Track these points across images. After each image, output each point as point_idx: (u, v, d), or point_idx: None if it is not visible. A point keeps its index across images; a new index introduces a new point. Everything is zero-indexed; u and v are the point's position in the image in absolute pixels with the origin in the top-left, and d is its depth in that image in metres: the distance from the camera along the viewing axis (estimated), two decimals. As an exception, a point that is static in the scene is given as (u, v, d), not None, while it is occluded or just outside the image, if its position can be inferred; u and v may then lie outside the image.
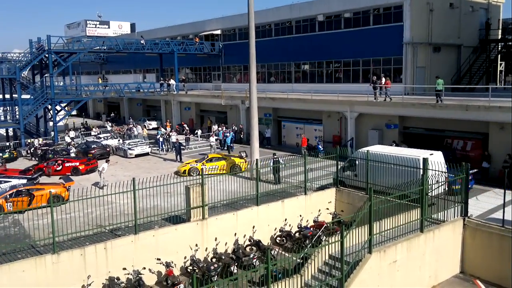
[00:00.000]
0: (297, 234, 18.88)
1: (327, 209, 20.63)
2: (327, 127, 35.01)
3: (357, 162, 21.08)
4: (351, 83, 36.20)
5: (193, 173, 26.50)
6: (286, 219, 19.47)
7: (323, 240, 16.62)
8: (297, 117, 37.51)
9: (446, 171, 18.46)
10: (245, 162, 27.97)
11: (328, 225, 18.57)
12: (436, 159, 18.70)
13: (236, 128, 39.48)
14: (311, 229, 18.72)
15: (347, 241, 13.71)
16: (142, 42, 47.44)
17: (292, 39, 41.34)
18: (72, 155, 32.36)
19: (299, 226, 19.27)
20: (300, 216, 19.72)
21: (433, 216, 16.71)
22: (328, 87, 36.81)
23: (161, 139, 36.47)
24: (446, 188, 17.41)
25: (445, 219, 16.68)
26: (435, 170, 17.07)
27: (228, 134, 36.50)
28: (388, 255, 14.62)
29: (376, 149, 21.34)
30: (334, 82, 37.63)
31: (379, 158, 19.61)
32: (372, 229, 14.23)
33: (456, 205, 16.98)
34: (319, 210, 20.09)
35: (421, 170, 17.34)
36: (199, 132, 42.62)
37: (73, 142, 37.10)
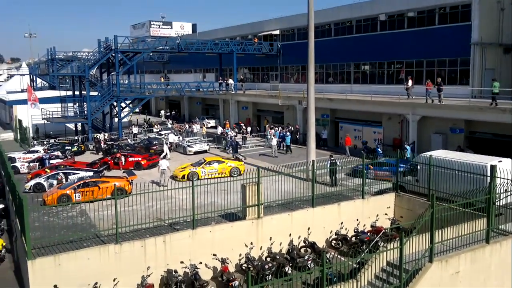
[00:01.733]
0: (353, 238, 18.55)
1: (386, 214, 20.06)
2: (387, 129, 34.10)
3: (418, 167, 20.35)
4: (414, 85, 35.00)
5: (192, 178, 25.69)
6: (342, 223, 19.16)
7: (380, 246, 16.17)
8: (356, 119, 36.84)
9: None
10: (243, 165, 27.72)
11: (387, 230, 18.08)
12: (505, 167, 17.59)
13: (292, 128, 39.36)
14: (368, 234, 18.33)
15: (407, 249, 13.28)
16: (178, 42, 48.45)
17: (352, 39, 40.60)
18: (166, 150, 33.33)
19: (355, 230, 18.90)
20: (357, 220, 19.32)
21: (500, 226, 15.80)
22: (389, 88, 35.78)
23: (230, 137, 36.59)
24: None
25: (514, 230, 15.71)
26: (503, 179, 16.13)
27: (288, 134, 36.48)
28: (450, 265, 14.00)
29: (440, 154, 20.50)
30: (396, 83, 36.48)
31: (442, 163, 18.82)
32: (434, 237, 13.68)
33: (526, 216, 15.94)
34: (377, 215, 19.58)
35: (489, 178, 16.44)
36: (249, 129, 42.81)
37: (168, 142, 37.25)
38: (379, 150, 30.81)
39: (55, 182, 24.65)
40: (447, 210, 14.54)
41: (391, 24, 37.15)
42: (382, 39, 37.84)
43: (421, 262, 13.56)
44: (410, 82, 32.61)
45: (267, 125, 42.02)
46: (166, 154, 32.47)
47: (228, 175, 26.51)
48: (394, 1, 36.65)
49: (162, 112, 64.40)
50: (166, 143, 35.39)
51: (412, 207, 19.65)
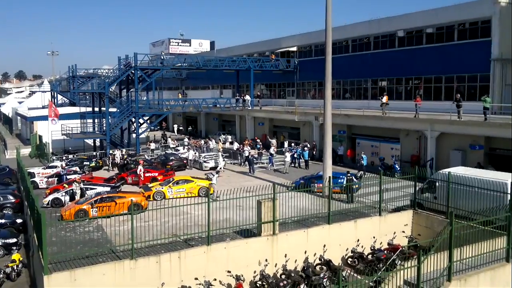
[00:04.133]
0: (369, 256, 18.25)
1: (403, 232, 19.71)
2: (404, 146, 33.69)
3: (437, 184, 20.01)
4: (432, 101, 34.62)
5: (158, 197, 25.32)
6: (358, 240, 18.90)
7: (397, 264, 15.88)
8: (373, 135, 36.52)
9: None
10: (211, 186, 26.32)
11: (404, 248, 17.74)
12: (527, 184, 17.21)
13: (308, 144, 39.15)
14: (385, 252, 18.01)
15: (424, 267, 13.00)
16: (162, 57, 49.05)
17: (370, 55, 40.55)
18: (221, 163, 34.12)
19: (372, 248, 18.60)
20: (374, 237, 19.04)
21: (522, 245, 15.34)
22: (406, 104, 35.43)
23: (273, 154, 36.64)
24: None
25: (537, 250, 15.23)
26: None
27: (306, 148, 36.39)
28: (469, 284, 13.64)
29: (459, 170, 20.14)
30: (413, 99, 36.15)
31: (461, 180, 18.48)
32: (453, 256, 13.36)
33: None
34: (394, 233, 19.27)
35: (509, 195, 16.04)
36: (274, 142, 42.73)
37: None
38: (397, 166, 30.43)
39: (67, 197, 24.93)
40: (466, 228, 14.23)
41: (409, 40, 37.03)
42: (400, 55, 37.70)
43: (439, 281, 13.25)
44: (385, 98, 33.89)
45: (273, 141, 42.34)
46: (220, 168, 33.72)
47: (197, 195, 25.66)
48: (412, 17, 36.56)
49: (175, 126, 65.19)
50: (222, 155, 36.21)
51: (430, 225, 19.31)
